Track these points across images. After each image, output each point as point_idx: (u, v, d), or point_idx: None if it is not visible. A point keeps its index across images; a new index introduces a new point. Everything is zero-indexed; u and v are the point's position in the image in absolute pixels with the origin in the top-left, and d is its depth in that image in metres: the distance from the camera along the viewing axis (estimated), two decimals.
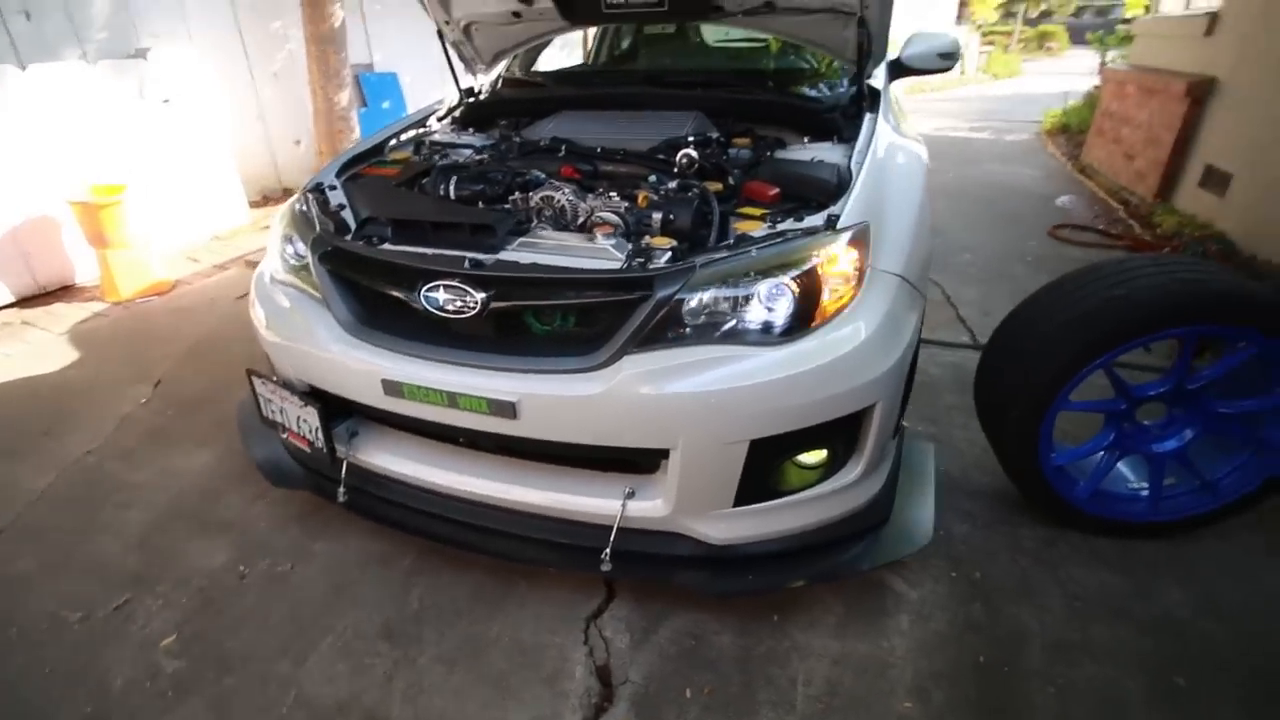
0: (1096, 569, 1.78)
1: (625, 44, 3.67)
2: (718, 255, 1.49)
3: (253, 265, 4.36)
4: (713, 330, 1.47)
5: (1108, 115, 6.31)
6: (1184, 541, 1.84)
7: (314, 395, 1.75)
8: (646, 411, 1.44)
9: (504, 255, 1.60)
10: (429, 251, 1.65)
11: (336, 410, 1.77)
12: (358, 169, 2.23)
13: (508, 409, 1.49)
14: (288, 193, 6.22)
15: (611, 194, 1.83)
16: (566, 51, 5.50)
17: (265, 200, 5.96)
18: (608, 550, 1.57)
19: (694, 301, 1.46)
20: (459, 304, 1.51)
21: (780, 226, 1.59)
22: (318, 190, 2.03)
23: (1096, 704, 1.45)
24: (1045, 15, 28.91)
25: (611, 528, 1.59)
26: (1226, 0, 4.55)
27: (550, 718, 1.42)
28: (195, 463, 2.31)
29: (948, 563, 1.80)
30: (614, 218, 1.72)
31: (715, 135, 2.16)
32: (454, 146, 2.41)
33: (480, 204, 1.91)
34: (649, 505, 1.58)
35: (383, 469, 1.82)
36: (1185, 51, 5.01)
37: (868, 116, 2.18)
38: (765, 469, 1.52)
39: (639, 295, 1.43)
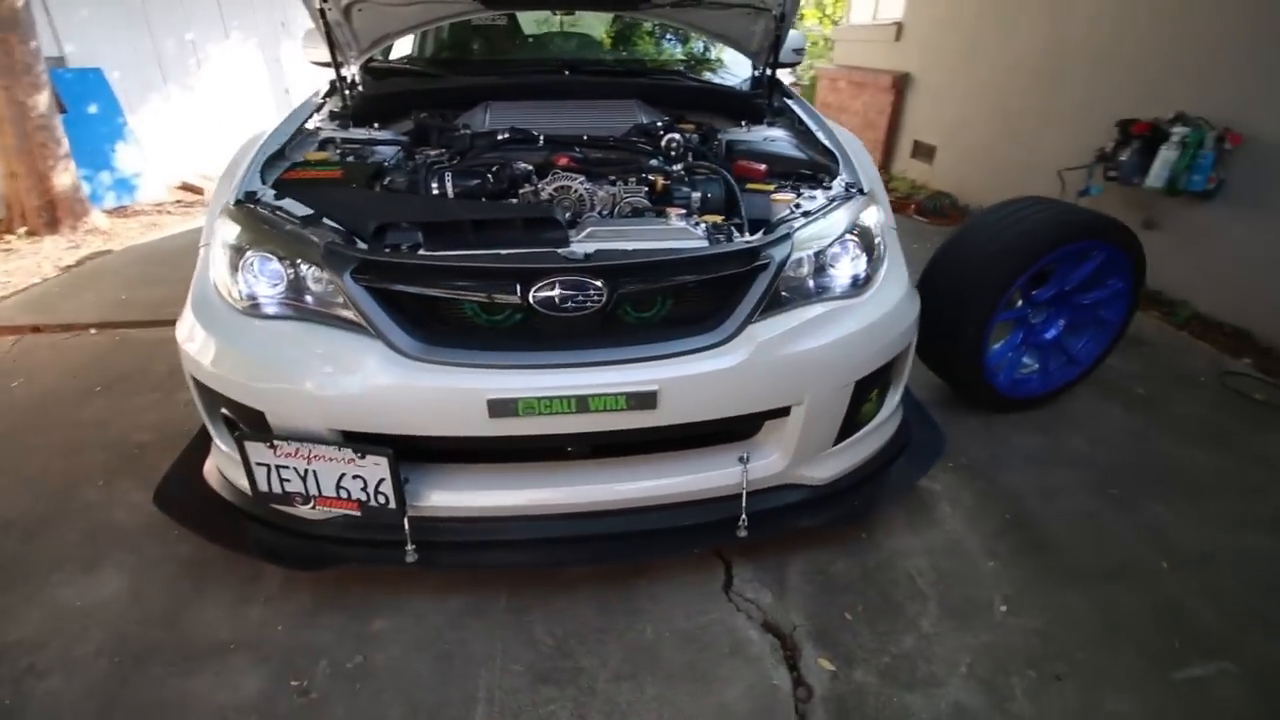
0: (1026, 434, 2.36)
1: (445, 34, 3.47)
2: (799, 224, 1.63)
3: None
4: (805, 290, 1.62)
5: (826, 106, 7.75)
6: (1063, 403, 2.53)
7: (378, 442, 1.45)
8: (782, 372, 1.53)
9: (577, 247, 1.52)
10: (503, 251, 1.49)
11: (404, 455, 1.49)
12: (277, 176, 1.84)
13: (649, 399, 1.45)
14: None
15: (629, 179, 1.83)
16: None
17: None
18: (743, 516, 1.63)
19: (789, 267, 1.58)
20: (577, 299, 1.41)
21: (820, 196, 1.77)
22: (253, 199, 1.64)
23: (1081, 519, 1.98)
24: None
25: (732, 496, 1.65)
26: (907, 13, 5.97)
27: (761, 680, 1.46)
28: (104, 591, 1.69)
29: (941, 459, 2.21)
30: (645, 201, 1.75)
31: (669, 121, 2.27)
32: (374, 143, 2.12)
33: (483, 199, 1.77)
34: (766, 463, 1.67)
35: (457, 509, 1.61)
36: (881, 53, 6.44)
37: (790, 101, 2.49)
38: (857, 406, 1.72)
39: (760, 265, 1.50)
